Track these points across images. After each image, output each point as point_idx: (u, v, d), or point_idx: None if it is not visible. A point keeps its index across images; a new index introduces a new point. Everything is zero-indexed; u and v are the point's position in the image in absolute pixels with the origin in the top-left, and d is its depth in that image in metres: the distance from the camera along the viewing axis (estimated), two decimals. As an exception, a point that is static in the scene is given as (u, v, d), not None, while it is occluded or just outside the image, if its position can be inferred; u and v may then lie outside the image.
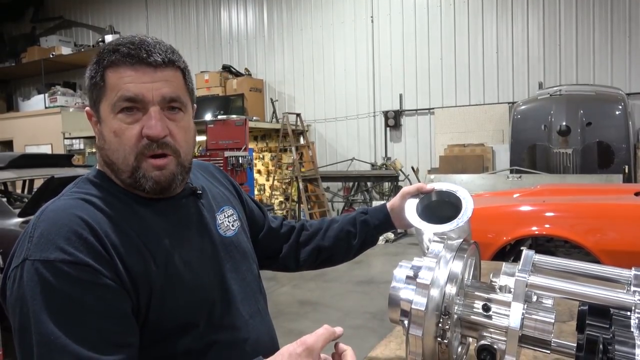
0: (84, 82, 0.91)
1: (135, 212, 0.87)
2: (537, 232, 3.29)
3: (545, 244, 3.48)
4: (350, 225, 1.24)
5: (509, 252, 3.42)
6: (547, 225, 3.28)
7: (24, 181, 5.47)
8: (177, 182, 0.91)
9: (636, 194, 3.50)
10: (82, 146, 9.31)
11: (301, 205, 8.68)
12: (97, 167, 0.93)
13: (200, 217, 0.97)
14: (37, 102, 10.77)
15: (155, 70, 0.85)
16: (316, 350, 0.76)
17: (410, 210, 1.13)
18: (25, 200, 4.67)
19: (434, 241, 0.96)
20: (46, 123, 9.61)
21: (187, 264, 0.89)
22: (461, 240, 0.96)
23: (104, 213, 0.83)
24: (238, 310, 0.97)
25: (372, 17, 9.01)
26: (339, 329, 0.80)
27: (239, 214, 1.09)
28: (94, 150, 9.19)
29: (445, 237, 0.99)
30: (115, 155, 0.86)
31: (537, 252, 0.91)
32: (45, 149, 9.20)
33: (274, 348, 1.02)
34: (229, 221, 1.04)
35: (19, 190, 5.68)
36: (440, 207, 1.14)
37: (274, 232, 1.25)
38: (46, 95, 10.46)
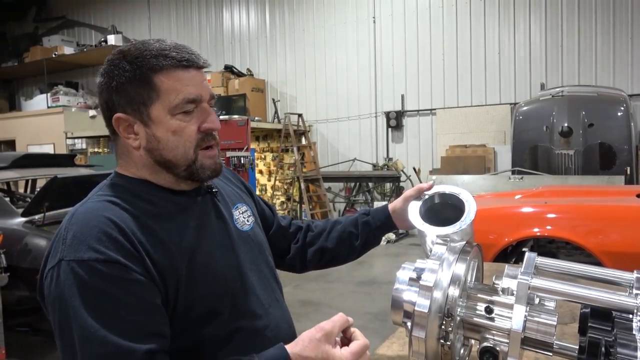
0: (107, 87, 0.92)
1: (159, 210, 0.93)
2: (538, 234, 3.29)
3: (546, 246, 3.48)
4: (352, 227, 1.28)
5: (510, 254, 3.43)
6: (548, 227, 3.28)
7: (27, 181, 5.49)
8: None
9: (638, 196, 3.50)
10: (84, 146, 9.32)
11: (302, 205, 8.69)
12: (117, 171, 0.99)
13: (218, 213, 1.03)
14: (39, 101, 10.79)
15: (201, 71, 0.95)
16: (333, 335, 0.83)
17: (413, 212, 1.14)
18: (28, 200, 4.69)
19: (436, 243, 0.96)
20: (48, 123, 9.63)
21: (209, 256, 0.95)
22: (464, 242, 0.97)
23: (130, 213, 0.88)
24: (258, 299, 1.02)
25: (374, 17, 9.02)
26: (350, 318, 0.87)
27: (252, 210, 1.15)
28: (96, 150, 9.19)
29: (448, 239, 1.00)
30: (173, 153, 0.93)
31: (538, 253, 0.92)
32: (48, 149, 9.22)
33: (292, 334, 1.08)
34: (244, 217, 1.09)
35: (21, 190, 5.69)
36: (443, 209, 1.15)
37: (283, 230, 1.30)
38: (48, 94, 10.48)
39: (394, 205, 1.26)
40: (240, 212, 1.09)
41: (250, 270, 1.03)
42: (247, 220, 1.10)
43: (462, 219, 1.05)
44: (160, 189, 0.96)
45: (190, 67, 0.92)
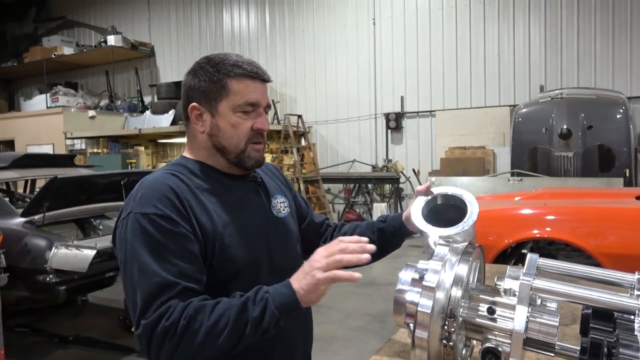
0: (191, 83, 1.15)
1: (209, 186, 1.15)
2: (538, 235, 3.30)
3: (546, 247, 3.48)
4: (369, 232, 1.38)
5: (510, 255, 3.43)
6: (548, 229, 3.29)
7: (26, 181, 5.49)
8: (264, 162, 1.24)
9: (637, 198, 3.51)
10: (83, 146, 9.31)
11: (302, 206, 8.68)
12: (183, 155, 1.24)
13: (258, 198, 1.24)
14: (39, 102, 10.78)
15: (264, 84, 1.19)
16: (319, 262, 1.00)
17: (416, 214, 1.15)
18: (28, 200, 4.68)
19: (439, 244, 0.97)
20: (48, 123, 9.62)
21: (243, 228, 1.15)
22: (466, 243, 0.97)
23: (185, 184, 1.12)
24: (282, 274, 1.12)
25: (374, 19, 9.03)
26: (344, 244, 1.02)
27: (289, 203, 1.33)
28: (95, 150, 9.18)
29: (451, 240, 1.00)
30: (228, 141, 1.16)
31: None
32: (47, 149, 9.21)
33: (309, 314, 1.30)
34: (280, 206, 1.28)
35: (21, 190, 5.69)
36: (446, 211, 1.16)
37: (315, 226, 1.45)
38: (48, 95, 10.47)
39: (407, 212, 1.31)
40: (279, 201, 1.28)
41: (277, 249, 1.20)
42: (283, 209, 1.28)
43: (465, 220, 1.06)
44: (213, 170, 1.19)
45: (256, 78, 1.16)
